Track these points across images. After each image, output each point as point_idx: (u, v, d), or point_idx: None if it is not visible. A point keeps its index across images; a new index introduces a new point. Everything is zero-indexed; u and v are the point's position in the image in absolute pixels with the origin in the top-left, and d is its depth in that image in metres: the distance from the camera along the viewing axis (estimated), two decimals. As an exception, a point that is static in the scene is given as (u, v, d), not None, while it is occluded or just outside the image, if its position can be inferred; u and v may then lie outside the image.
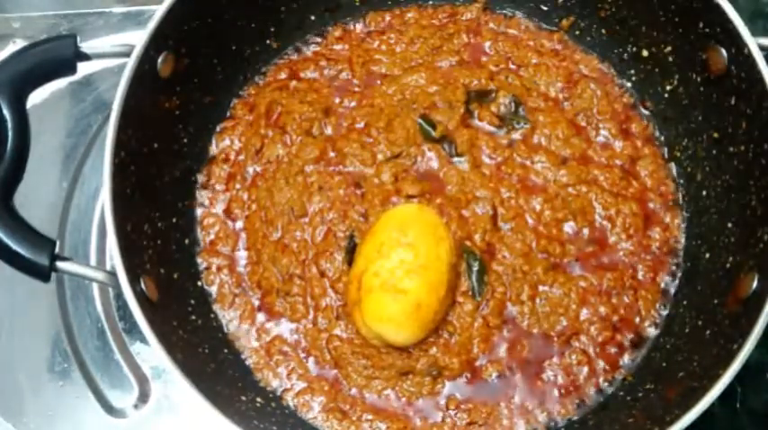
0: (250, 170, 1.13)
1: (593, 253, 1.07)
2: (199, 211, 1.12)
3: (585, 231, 1.08)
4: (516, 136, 1.13)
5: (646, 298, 1.06)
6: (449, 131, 1.12)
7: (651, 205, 1.10)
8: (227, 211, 1.12)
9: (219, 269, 1.09)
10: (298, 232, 1.09)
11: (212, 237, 1.11)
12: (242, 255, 1.10)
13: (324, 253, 1.07)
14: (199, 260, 1.09)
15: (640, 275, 1.07)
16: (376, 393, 1.01)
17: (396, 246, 0.97)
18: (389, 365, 1.02)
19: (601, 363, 1.03)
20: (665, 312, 1.06)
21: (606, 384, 1.02)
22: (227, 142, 1.15)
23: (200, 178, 1.13)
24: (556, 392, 1.02)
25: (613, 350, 1.03)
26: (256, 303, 1.07)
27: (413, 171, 1.11)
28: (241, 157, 1.14)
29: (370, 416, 1.01)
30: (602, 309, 1.05)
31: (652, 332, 1.05)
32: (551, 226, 1.07)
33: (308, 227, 1.09)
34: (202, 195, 1.13)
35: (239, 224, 1.11)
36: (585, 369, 1.02)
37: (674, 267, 1.08)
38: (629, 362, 1.03)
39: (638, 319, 1.05)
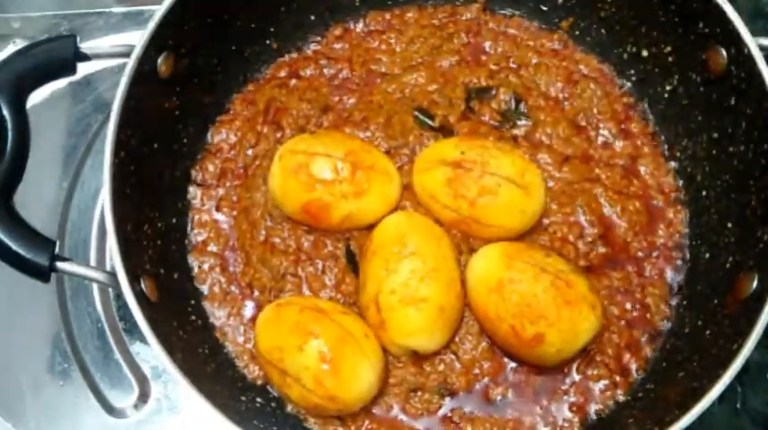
0: (241, 167, 1.13)
1: (605, 254, 1.07)
2: (191, 209, 1.12)
3: (594, 230, 1.07)
4: (518, 132, 1.13)
5: (654, 294, 1.06)
6: (449, 123, 1.12)
7: (654, 202, 1.11)
8: (218, 209, 1.12)
9: (211, 268, 1.09)
10: (286, 231, 1.08)
11: (204, 236, 1.10)
12: (232, 256, 1.09)
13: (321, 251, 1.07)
14: (190, 259, 1.09)
15: (647, 272, 1.07)
16: (384, 406, 1.01)
17: (401, 259, 0.97)
18: (400, 382, 1.01)
19: (617, 374, 1.02)
20: (674, 303, 1.05)
21: (620, 392, 1.02)
22: (224, 135, 1.15)
23: (194, 174, 1.13)
24: (567, 407, 1.01)
25: (627, 356, 1.03)
26: (250, 303, 1.07)
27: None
28: (233, 153, 1.14)
29: (372, 425, 1.01)
30: (615, 310, 1.05)
31: (665, 325, 1.05)
32: (560, 223, 1.07)
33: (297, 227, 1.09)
34: (195, 192, 1.12)
35: (229, 223, 1.11)
36: (604, 382, 1.02)
37: (679, 262, 1.08)
38: (645, 367, 1.03)
39: (648, 315, 1.05)
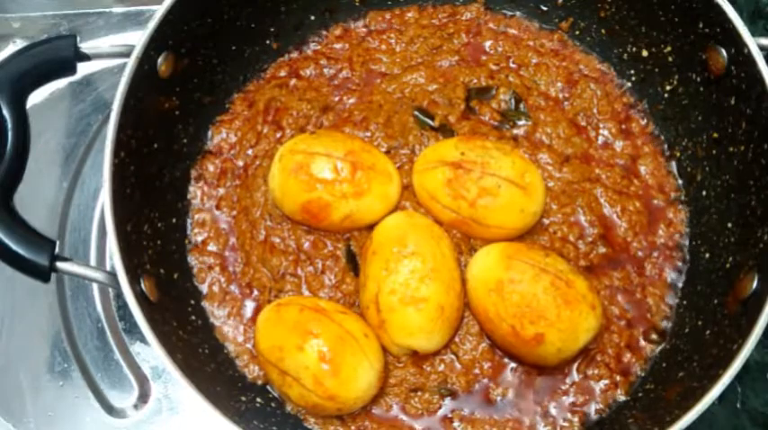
0: (241, 167, 1.13)
1: (606, 254, 1.07)
2: (191, 208, 1.12)
3: (594, 230, 1.07)
4: (518, 132, 1.13)
5: (654, 293, 1.06)
6: (449, 123, 1.12)
7: (654, 202, 1.11)
8: (218, 209, 1.12)
9: (211, 268, 1.09)
10: (285, 231, 1.08)
11: (204, 236, 1.10)
12: (232, 256, 1.09)
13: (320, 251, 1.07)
14: (190, 259, 1.09)
15: (648, 272, 1.07)
16: (384, 406, 1.01)
17: (401, 259, 0.97)
18: (400, 381, 1.01)
19: (617, 374, 1.02)
20: (674, 302, 1.06)
21: (620, 392, 1.02)
22: (224, 135, 1.15)
23: (194, 174, 1.13)
24: (567, 407, 1.01)
25: (628, 355, 1.03)
26: (250, 303, 1.07)
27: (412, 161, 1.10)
28: (233, 153, 1.14)
29: (372, 425, 1.00)
30: (615, 310, 1.05)
31: (666, 325, 1.05)
32: (560, 223, 1.07)
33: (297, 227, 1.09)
34: (195, 192, 1.12)
35: (229, 223, 1.11)
36: (604, 382, 1.02)
37: (679, 262, 1.08)
38: (646, 365, 1.03)
39: (648, 315, 1.05)
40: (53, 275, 0.91)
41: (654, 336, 1.04)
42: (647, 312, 1.05)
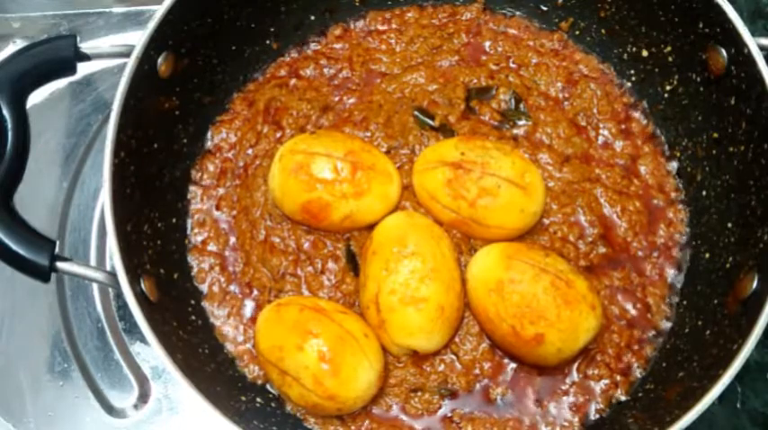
0: (241, 167, 1.13)
1: (606, 254, 1.07)
2: (191, 208, 1.12)
3: (594, 230, 1.07)
4: (518, 132, 1.13)
5: (654, 293, 1.06)
6: (449, 123, 1.12)
7: (654, 202, 1.11)
8: (218, 209, 1.12)
9: (211, 268, 1.09)
10: (285, 231, 1.09)
11: (203, 236, 1.10)
12: (232, 256, 1.09)
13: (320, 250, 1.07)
14: (190, 259, 1.09)
15: (648, 272, 1.07)
16: (384, 406, 1.01)
17: (401, 259, 0.97)
18: (400, 382, 1.01)
19: (617, 374, 1.02)
20: (674, 302, 1.06)
21: (620, 392, 1.02)
22: (224, 135, 1.15)
23: (194, 174, 1.13)
24: (567, 407, 1.01)
25: (628, 355, 1.03)
26: (249, 303, 1.07)
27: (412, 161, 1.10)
28: (233, 153, 1.14)
29: (372, 425, 1.00)
30: (615, 310, 1.05)
31: (666, 325, 1.05)
32: (560, 223, 1.07)
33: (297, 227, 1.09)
34: (195, 192, 1.12)
35: (229, 223, 1.11)
36: (604, 382, 1.02)
37: (679, 262, 1.08)
38: (646, 364, 1.03)
39: (649, 315, 1.05)
40: (53, 275, 0.91)
41: (654, 336, 1.04)
42: (647, 312, 1.05)
